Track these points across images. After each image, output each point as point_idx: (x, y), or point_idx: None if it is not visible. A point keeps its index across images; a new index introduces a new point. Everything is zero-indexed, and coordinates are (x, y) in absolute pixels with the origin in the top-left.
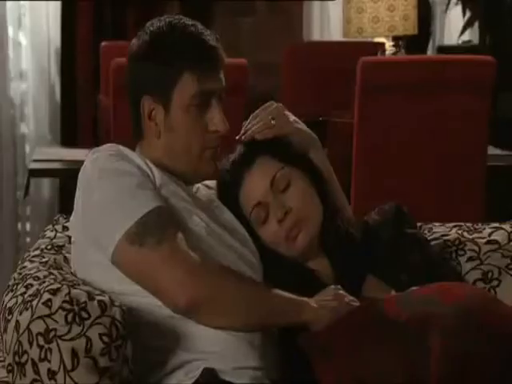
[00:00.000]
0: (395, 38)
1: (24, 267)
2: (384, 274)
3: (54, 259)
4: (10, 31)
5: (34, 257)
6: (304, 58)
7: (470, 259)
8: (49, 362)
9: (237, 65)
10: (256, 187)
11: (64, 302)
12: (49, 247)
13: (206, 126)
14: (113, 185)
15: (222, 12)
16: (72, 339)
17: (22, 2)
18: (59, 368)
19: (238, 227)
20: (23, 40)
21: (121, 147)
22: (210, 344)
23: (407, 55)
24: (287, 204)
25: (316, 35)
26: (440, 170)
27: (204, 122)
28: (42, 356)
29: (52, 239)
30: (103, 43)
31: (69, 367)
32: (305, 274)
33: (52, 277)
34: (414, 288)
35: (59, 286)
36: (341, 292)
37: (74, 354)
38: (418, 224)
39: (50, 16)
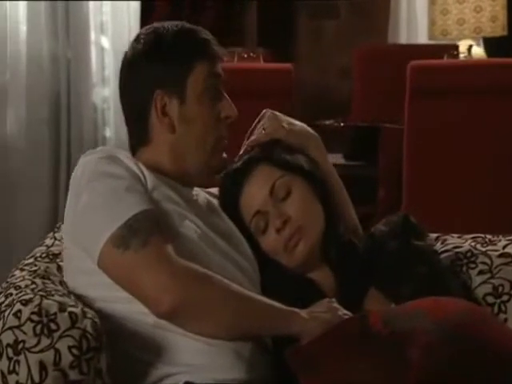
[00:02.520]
0: (485, 40)
1: (13, 276)
2: (387, 287)
3: (46, 268)
4: (93, 36)
5: (26, 265)
6: (374, 61)
7: (481, 272)
8: (17, 374)
9: (282, 69)
10: (255, 196)
11: (32, 313)
12: (43, 255)
13: (218, 114)
14: (101, 188)
15: (304, 14)
16: (40, 351)
17: (104, 4)
18: (27, 381)
19: (236, 235)
20: (106, 45)
21: (113, 149)
22: (194, 356)
23: (458, 59)
24: (286, 213)
25: (403, 37)
26: (494, 177)
27: (216, 110)
28: (11, 368)
29: (49, 247)
30: None
31: (36, 380)
32: (305, 285)
33: (32, 286)
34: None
35: (32, 296)
36: (334, 305)
37: (43, 366)
38: (436, 235)
39: (132, 20)
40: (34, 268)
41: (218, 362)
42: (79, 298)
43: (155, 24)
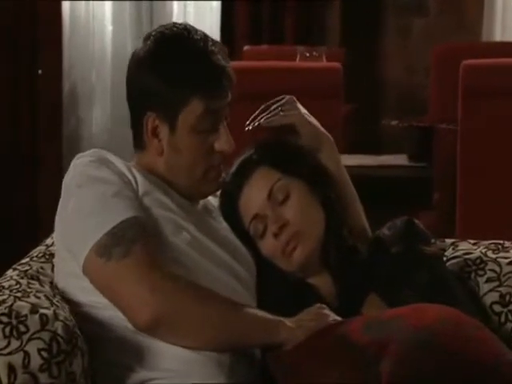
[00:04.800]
0: None
1: (5, 275)
2: (387, 293)
3: (40, 268)
4: None
5: (19, 265)
6: (450, 60)
7: (489, 280)
8: None
9: (330, 68)
10: (253, 199)
11: (2, 314)
12: (40, 255)
13: (211, 147)
14: (89, 193)
15: (391, 11)
16: (9, 353)
17: (187, 5)
18: None
19: (233, 240)
20: None
21: (104, 152)
22: (175, 362)
23: None
24: (284, 217)
25: (497, 35)
26: None
27: (210, 142)
28: None
29: (49, 247)
30: (245, 47)
31: (5, 382)
32: (303, 290)
33: (15, 287)
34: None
35: (6, 297)
36: (324, 311)
37: (11, 369)
38: (451, 240)
39: (213, 20)
40: (26, 268)
41: (199, 369)
42: (67, 300)
43: (171, 27)
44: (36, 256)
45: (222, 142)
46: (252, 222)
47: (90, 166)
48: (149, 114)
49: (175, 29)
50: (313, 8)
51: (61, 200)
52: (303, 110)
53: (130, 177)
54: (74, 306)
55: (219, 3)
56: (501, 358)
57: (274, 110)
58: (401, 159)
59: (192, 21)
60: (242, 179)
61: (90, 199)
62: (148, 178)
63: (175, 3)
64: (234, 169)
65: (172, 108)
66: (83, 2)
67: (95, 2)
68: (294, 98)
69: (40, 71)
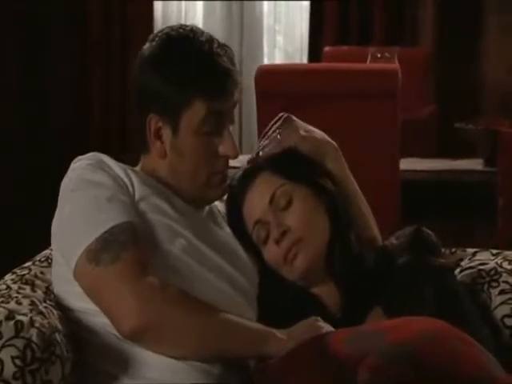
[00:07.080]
0: None
1: (3, 279)
2: (392, 306)
3: (40, 272)
4: (265, 35)
5: (19, 268)
6: None
7: (502, 292)
8: None
9: (387, 70)
10: (255, 204)
11: None
12: (43, 259)
13: (215, 151)
14: (82, 197)
15: (492, 9)
16: None
17: (277, 5)
18: None
19: (234, 247)
20: (278, 44)
21: (102, 156)
22: (160, 371)
23: None
24: (286, 223)
25: None
26: None
27: (214, 146)
28: None
29: None
30: (326, 48)
31: None
32: (307, 301)
33: (3, 292)
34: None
35: None
36: (318, 323)
37: None
38: (473, 250)
39: (303, 20)
40: (25, 272)
41: (185, 378)
42: (60, 305)
43: (177, 28)
44: (39, 260)
45: (226, 146)
46: (255, 228)
47: (86, 169)
48: (152, 115)
49: (181, 30)
50: (404, 6)
51: (58, 204)
52: (301, 127)
53: (127, 181)
54: (65, 311)
55: (308, 3)
56: (484, 374)
57: (272, 133)
58: (477, 164)
59: (282, 20)
60: (246, 184)
61: (83, 203)
62: (147, 182)
63: (265, 3)
64: (238, 175)
65: (174, 109)
66: (175, 2)
67: (187, 1)
68: (291, 117)
69: None
